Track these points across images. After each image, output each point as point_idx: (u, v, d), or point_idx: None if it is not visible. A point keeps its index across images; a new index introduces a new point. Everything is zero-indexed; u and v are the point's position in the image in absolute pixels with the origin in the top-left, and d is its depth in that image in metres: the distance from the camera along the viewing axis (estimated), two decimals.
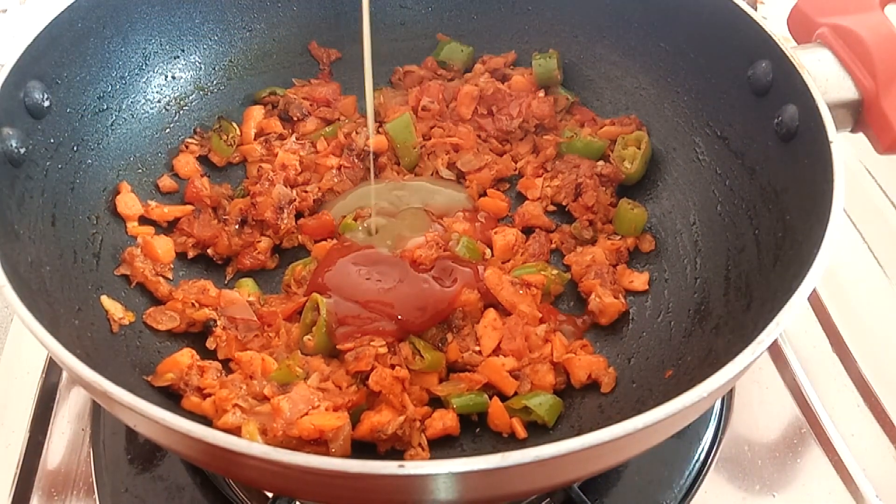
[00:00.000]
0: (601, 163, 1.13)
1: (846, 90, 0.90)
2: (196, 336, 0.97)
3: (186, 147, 1.15)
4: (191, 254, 1.05)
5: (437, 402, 0.92)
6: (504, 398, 0.92)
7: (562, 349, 0.95)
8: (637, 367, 0.95)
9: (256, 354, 0.92)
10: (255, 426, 0.82)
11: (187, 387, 0.87)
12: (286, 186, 1.10)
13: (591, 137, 1.15)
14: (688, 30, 1.06)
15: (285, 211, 1.07)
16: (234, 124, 1.17)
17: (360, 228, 1.07)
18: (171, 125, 1.16)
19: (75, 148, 0.99)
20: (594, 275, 1.02)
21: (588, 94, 1.22)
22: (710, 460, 0.97)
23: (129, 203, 1.04)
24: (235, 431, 0.82)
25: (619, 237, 1.08)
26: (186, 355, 0.89)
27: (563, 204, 1.12)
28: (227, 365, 0.93)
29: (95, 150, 1.03)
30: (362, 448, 0.87)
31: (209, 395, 0.87)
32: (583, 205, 1.10)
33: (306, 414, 0.83)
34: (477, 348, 0.95)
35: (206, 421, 0.85)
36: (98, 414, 1.00)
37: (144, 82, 1.12)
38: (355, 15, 1.29)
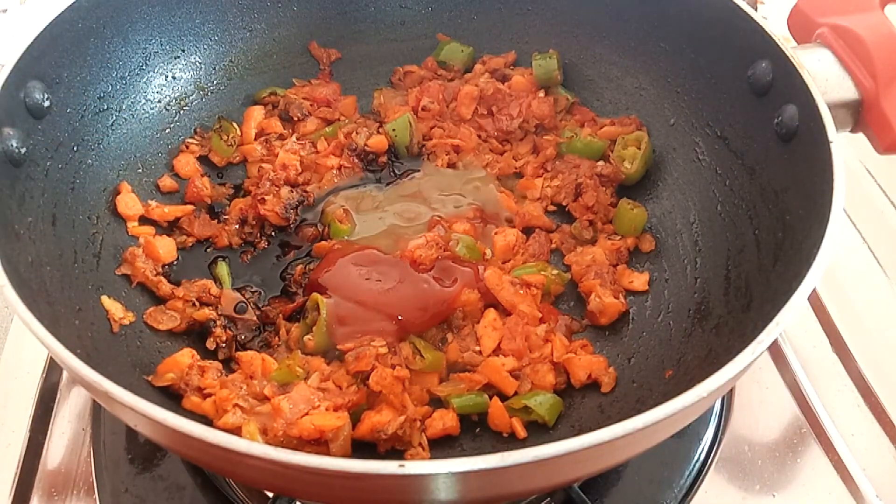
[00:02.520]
0: (601, 163, 1.13)
1: (846, 90, 0.90)
2: (196, 336, 0.97)
3: (187, 147, 1.15)
4: None
5: (437, 402, 0.92)
6: (504, 398, 0.92)
7: (562, 349, 0.95)
8: (637, 367, 0.95)
9: (256, 354, 0.92)
10: (255, 426, 0.82)
11: (188, 387, 0.87)
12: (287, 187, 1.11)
13: (591, 137, 1.15)
14: (688, 30, 1.06)
15: (294, 212, 1.09)
16: (235, 124, 1.17)
17: (348, 236, 1.07)
18: (172, 125, 1.16)
19: (75, 148, 0.99)
20: (594, 275, 1.02)
21: (588, 94, 1.22)
22: (710, 460, 0.97)
23: (129, 203, 1.04)
24: (236, 431, 0.82)
25: (619, 237, 1.08)
26: (187, 355, 0.89)
27: (563, 204, 1.12)
28: (227, 365, 0.93)
29: (96, 150, 1.03)
30: (362, 448, 0.87)
31: (209, 395, 0.87)
32: (583, 205, 1.10)
33: (307, 414, 0.83)
34: (477, 348, 0.95)
35: (206, 421, 0.85)
36: (98, 414, 1.00)
37: (145, 82, 1.12)
38: (355, 15, 1.29)
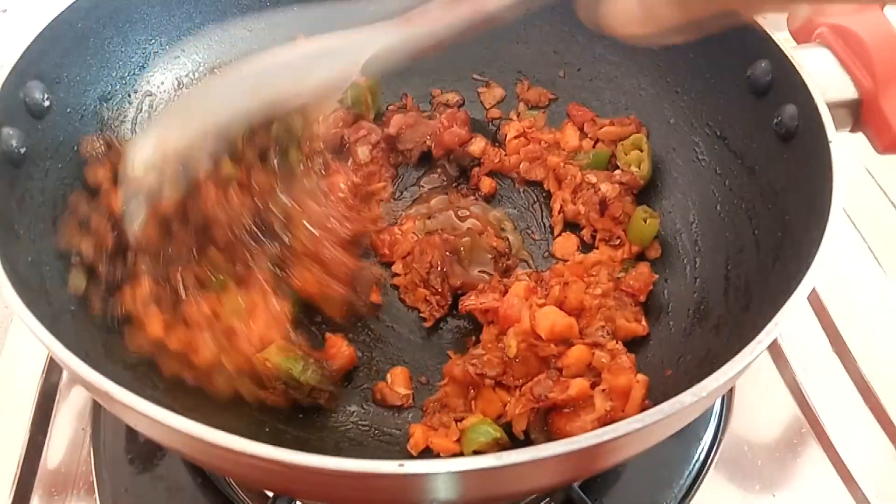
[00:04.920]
0: (617, 172, 1.10)
1: (845, 90, 0.90)
2: None
3: None
4: None
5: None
6: None
7: None
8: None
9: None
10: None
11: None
12: None
13: (594, 150, 1.13)
14: None
15: None
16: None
17: None
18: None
19: (75, 148, 0.98)
20: None
21: (588, 94, 1.21)
22: (710, 460, 0.97)
23: None
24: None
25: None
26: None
27: (586, 224, 1.09)
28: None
29: None
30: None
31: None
32: (610, 216, 1.06)
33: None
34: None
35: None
36: (98, 414, 1.00)
37: (145, 82, 1.12)
38: (356, 15, 1.29)
